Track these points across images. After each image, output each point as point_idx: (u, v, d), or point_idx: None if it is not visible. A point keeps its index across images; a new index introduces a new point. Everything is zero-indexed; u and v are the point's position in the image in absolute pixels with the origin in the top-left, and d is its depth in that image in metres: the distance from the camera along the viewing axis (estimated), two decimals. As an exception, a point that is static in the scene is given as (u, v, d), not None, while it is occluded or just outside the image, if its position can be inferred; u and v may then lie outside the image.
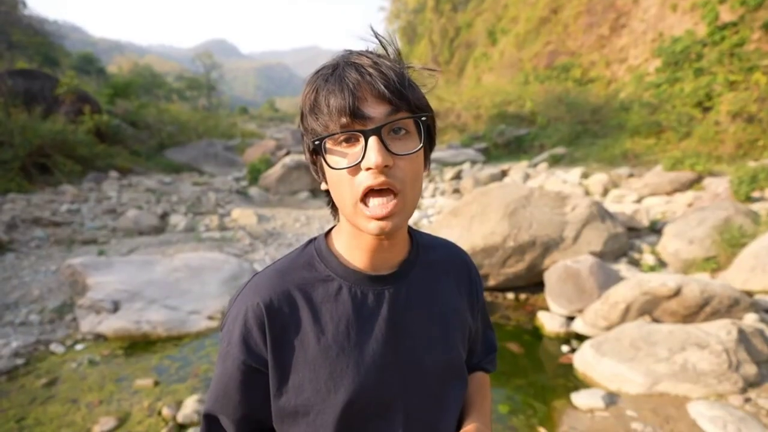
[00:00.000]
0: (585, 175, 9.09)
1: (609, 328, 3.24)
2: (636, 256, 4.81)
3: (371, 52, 0.62)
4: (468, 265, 0.82)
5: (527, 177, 10.11)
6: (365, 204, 0.59)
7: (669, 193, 7.17)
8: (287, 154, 12.12)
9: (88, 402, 2.68)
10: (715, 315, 3.06)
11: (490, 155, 14.22)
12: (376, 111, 0.57)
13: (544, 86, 16.63)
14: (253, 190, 9.54)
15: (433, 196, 9.45)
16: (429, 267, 0.74)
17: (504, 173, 10.89)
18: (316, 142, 0.59)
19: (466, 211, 4.64)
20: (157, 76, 28.39)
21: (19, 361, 3.09)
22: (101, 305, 3.71)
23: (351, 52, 0.62)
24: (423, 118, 0.60)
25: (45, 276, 4.56)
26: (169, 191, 9.20)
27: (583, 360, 3.00)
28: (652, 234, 5.41)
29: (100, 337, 3.46)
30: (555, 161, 11.43)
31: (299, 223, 7.04)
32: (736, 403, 2.46)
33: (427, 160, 0.66)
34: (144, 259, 4.61)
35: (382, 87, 0.56)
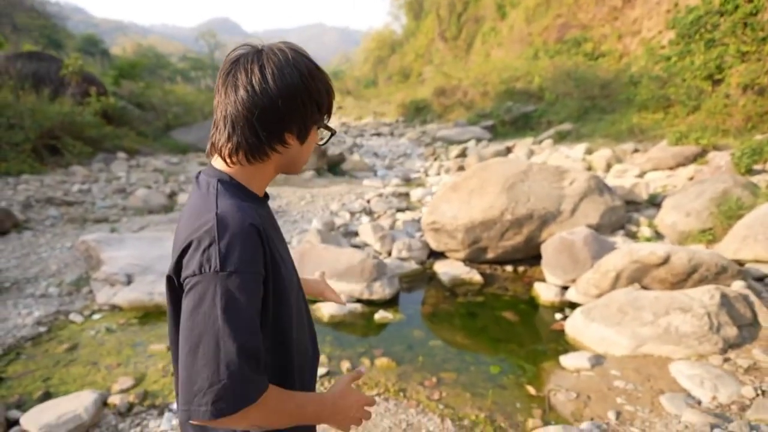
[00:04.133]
0: (589, 151, 9.05)
1: (600, 295, 3.35)
2: (633, 228, 4.88)
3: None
4: None
5: (531, 153, 10.08)
6: None
7: (672, 168, 7.15)
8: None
9: (107, 364, 2.88)
10: (703, 282, 3.15)
11: (496, 132, 14.11)
12: None
13: (554, 61, 16.28)
14: (259, 170, 9.64)
15: (438, 174, 9.49)
16: None
17: (509, 150, 10.87)
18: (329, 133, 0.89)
19: (465, 186, 4.71)
20: (161, 57, 28.22)
21: (42, 329, 3.30)
22: (115, 278, 3.91)
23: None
24: None
25: (61, 252, 4.78)
26: (177, 171, 9.37)
27: (574, 326, 3.13)
28: (651, 207, 5.45)
29: (115, 308, 3.66)
30: (561, 138, 11.35)
31: (304, 201, 7.17)
32: (715, 362, 2.58)
33: None
34: (154, 236, 4.79)
35: None
